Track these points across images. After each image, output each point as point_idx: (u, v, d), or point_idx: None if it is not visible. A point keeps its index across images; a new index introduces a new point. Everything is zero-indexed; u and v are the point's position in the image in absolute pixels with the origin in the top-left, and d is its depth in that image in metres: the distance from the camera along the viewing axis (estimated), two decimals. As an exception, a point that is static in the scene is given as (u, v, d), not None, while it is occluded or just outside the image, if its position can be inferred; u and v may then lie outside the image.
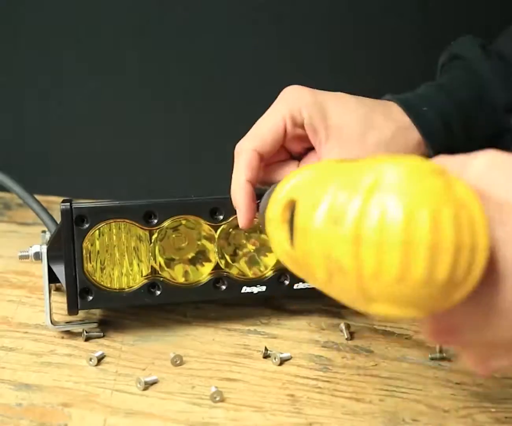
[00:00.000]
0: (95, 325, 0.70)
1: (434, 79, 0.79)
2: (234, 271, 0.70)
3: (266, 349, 0.66)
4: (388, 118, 0.67)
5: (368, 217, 0.39)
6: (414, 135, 0.67)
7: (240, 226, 0.65)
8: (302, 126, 0.66)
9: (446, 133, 0.69)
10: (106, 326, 0.70)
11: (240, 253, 0.71)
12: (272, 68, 1.03)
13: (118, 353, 0.66)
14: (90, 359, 0.64)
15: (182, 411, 0.59)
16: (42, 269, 0.68)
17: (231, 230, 0.70)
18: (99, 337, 0.68)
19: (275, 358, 0.65)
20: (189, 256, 0.70)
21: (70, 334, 0.69)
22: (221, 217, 0.68)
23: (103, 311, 0.72)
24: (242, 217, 0.64)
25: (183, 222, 0.69)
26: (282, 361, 0.65)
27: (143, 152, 1.07)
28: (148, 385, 0.62)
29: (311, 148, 0.68)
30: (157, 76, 1.05)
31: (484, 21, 0.99)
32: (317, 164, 0.51)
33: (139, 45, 1.04)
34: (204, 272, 0.69)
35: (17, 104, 1.07)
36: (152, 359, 0.65)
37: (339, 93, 0.68)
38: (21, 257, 0.70)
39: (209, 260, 0.69)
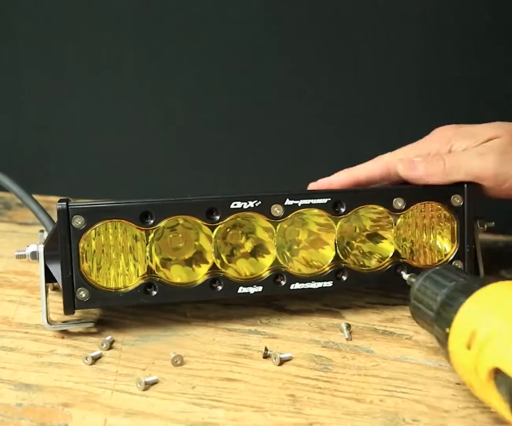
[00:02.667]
0: (91, 324, 0.70)
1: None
2: (230, 271, 0.70)
3: (266, 349, 0.66)
4: None
5: None
6: None
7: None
8: None
9: None
10: (106, 326, 0.70)
11: (237, 253, 0.71)
12: (273, 68, 1.03)
13: (118, 353, 0.66)
14: (86, 358, 0.64)
15: (182, 411, 0.59)
16: (39, 268, 0.68)
17: (228, 229, 0.70)
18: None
19: (275, 358, 0.65)
20: (186, 256, 0.70)
21: (70, 334, 0.69)
22: (218, 217, 0.69)
23: (103, 311, 0.72)
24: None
25: (181, 221, 0.69)
26: (282, 361, 0.65)
27: (143, 152, 1.07)
28: (148, 385, 0.62)
29: None
30: (156, 76, 1.05)
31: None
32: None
33: (139, 45, 1.04)
34: (201, 272, 0.69)
35: (17, 104, 1.07)
36: (152, 359, 0.65)
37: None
38: (18, 256, 0.70)
39: (205, 261, 0.69)
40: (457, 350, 0.56)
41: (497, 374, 0.51)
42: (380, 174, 0.74)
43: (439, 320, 0.59)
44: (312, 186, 0.75)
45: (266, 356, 0.66)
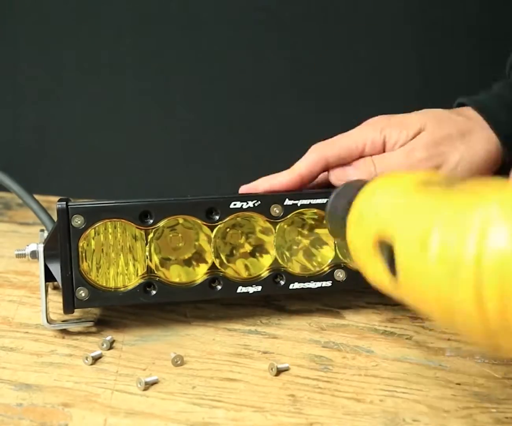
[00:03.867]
0: (91, 323, 0.70)
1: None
2: (229, 271, 0.70)
3: (276, 367, 0.64)
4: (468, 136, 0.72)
5: (487, 259, 0.37)
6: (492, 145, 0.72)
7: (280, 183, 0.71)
8: (380, 151, 0.72)
9: None
10: (106, 326, 0.70)
11: (237, 253, 0.71)
12: (273, 68, 1.03)
13: (118, 353, 0.66)
14: (86, 358, 0.64)
15: (183, 411, 0.59)
16: (39, 267, 0.68)
17: (228, 229, 0.70)
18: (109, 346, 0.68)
19: (276, 366, 0.63)
20: (186, 256, 0.70)
21: (71, 334, 0.69)
22: (217, 217, 0.69)
23: (103, 310, 0.72)
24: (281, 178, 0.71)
25: (181, 221, 0.69)
26: (281, 371, 0.64)
27: (143, 152, 1.07)
28: (148, 385, 0.61)
29: None
30: (157, 76, 1.05)
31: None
32: (405, 189, 0.48)
33: (139, 45, 1.04)
34: (200, 272, 0.69)
35: (17, 104, 1.08)
36: (153, 359, 0.65)
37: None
38: (18, 256, 0.70)
39: (205, 260, 0.69)
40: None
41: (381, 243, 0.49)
42: (320, 169, 0.71)
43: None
44: (242, 189, 0.72)
45: (277, 373, 0.64)
